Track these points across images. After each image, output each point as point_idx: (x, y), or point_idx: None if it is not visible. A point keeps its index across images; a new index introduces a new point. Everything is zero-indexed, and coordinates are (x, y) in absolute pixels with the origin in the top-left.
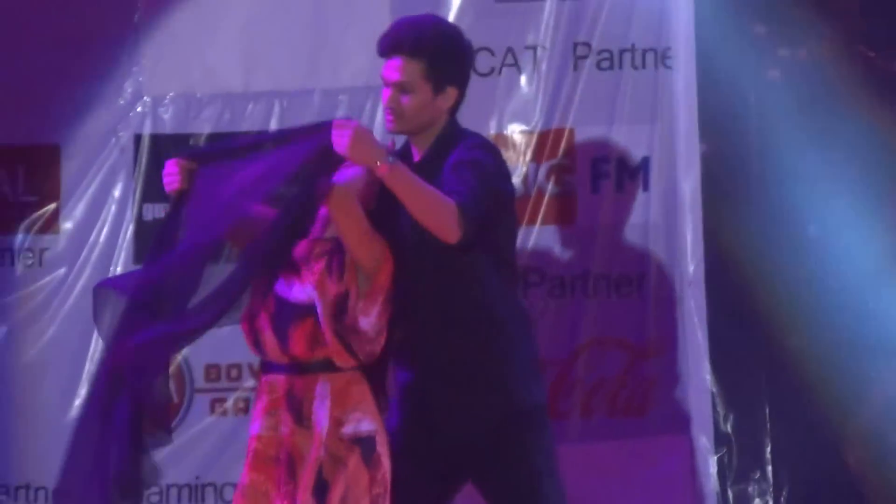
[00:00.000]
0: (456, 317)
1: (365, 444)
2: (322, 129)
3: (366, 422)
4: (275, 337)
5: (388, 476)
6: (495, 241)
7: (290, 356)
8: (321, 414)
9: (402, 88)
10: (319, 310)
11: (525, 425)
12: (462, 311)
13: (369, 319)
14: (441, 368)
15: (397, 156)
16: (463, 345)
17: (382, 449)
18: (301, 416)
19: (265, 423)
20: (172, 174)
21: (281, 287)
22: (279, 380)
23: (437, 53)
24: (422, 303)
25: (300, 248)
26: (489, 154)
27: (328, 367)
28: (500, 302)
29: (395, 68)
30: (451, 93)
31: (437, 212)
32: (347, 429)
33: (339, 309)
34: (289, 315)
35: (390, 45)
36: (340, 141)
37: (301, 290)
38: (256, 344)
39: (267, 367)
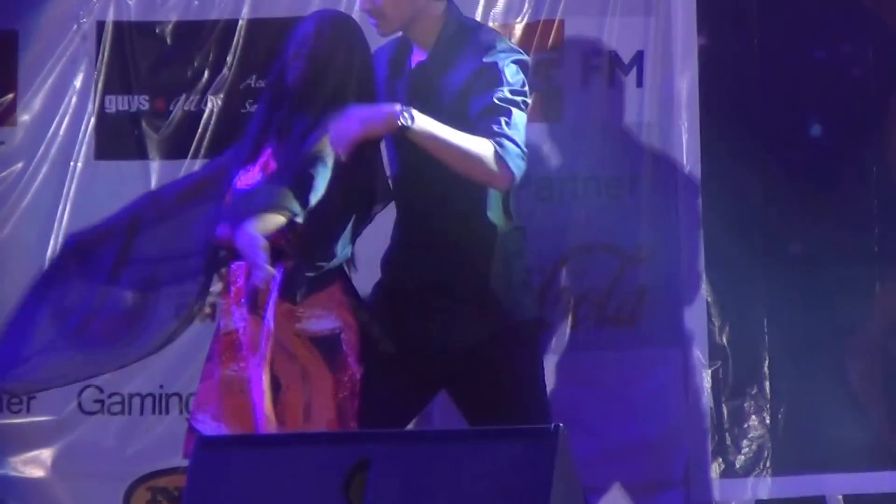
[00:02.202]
0: (447, 232)
1: (327, 343)
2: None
3: (329, 319)
4: None
5: (356, 378)
6: (505, 131)
7: None
8: (270, 305)
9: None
10: None
11: (512, 339)
12: (454, 226)
13: None
14: (432, 283)
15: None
16: (455, 260)
17: (349, 348)
18: (257, 305)
19: (233, 316)
20: None
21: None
22: (242, 266)
23: None
24: (413, 219)
25: None
26: (520, 70)
27: None
28: (493, 216)
29: None
30: None
31: (475, 165)
32: (306, 325)
33: None
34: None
35: None
36: (345, 136)
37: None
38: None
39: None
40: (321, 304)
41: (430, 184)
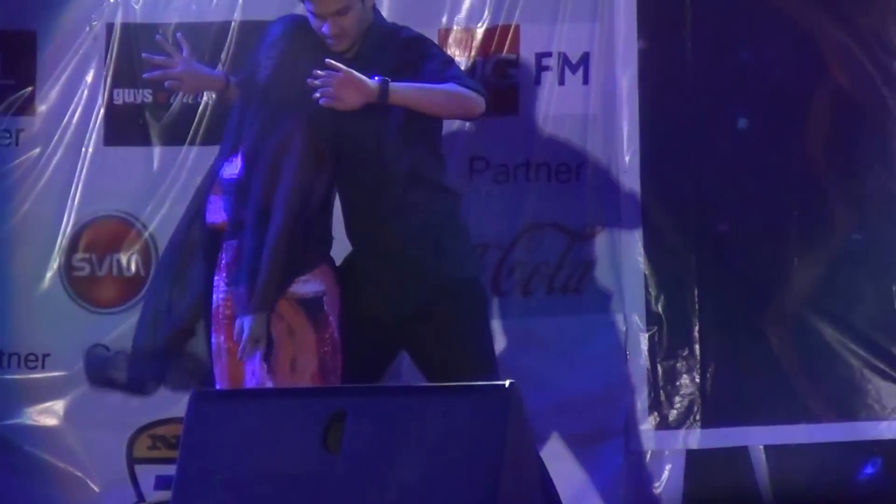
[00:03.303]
0: (394, 206)
1: (311, 304)
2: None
3: (313, 283)
4: None
5: (336, 335)
6: (431, 135)
7: None
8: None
9: (339, 13)
10: None
11: (457, 296)
12: (393, 199)
13: None
14: (379, 251)
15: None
16: (400, 231)
17: (331, 310)
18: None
19: (220, 289)
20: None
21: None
22: (231, 244)
23: None
24: (357, 195)
25: None
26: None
27: None
28: (430, 189)
29: (332, 9)
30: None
31: (457, 107)
32: (293, 288)
33: None
34: None
35: None
36: (350, 99)
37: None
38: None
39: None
40: (309, 269)
41: (368, 162)
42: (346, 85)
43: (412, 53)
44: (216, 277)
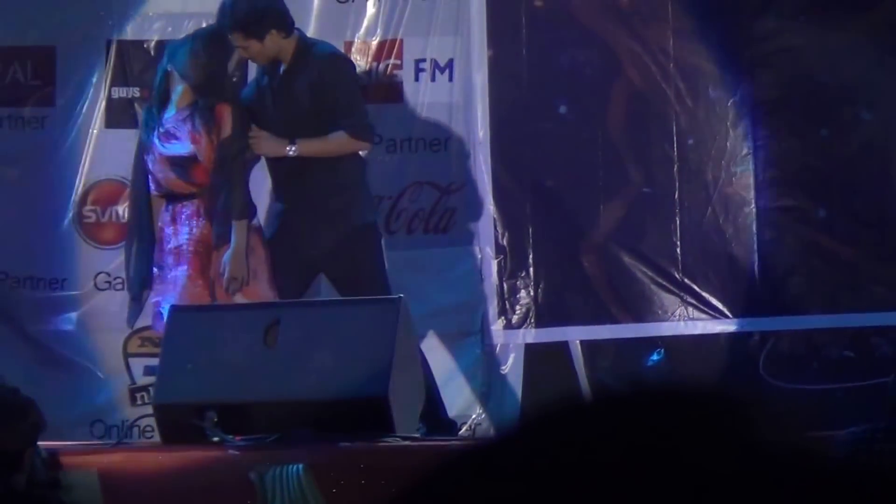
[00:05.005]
0: (321, 168)
1: (258, 231)
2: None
3: (256, 218)
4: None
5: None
6: (351, 117)
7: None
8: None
9: (243, 48)
10: None
11: (361, 235)
12: (324, 164)
13: None
14: (304, 203)
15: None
16: (318, 186)
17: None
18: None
19: (178, 237)
20: None
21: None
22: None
23: (251, 22)
24: (296, 161)
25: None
26: (347, 63)
27: None
28: (346, 157)
29: (236, 45)
30: (275, 35)
31: (341, 151)
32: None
33: None
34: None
35: (222, 26)
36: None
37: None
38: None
39: None
40: None
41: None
42: (266, 142)
43: (329, 78)
44: (167, 229)
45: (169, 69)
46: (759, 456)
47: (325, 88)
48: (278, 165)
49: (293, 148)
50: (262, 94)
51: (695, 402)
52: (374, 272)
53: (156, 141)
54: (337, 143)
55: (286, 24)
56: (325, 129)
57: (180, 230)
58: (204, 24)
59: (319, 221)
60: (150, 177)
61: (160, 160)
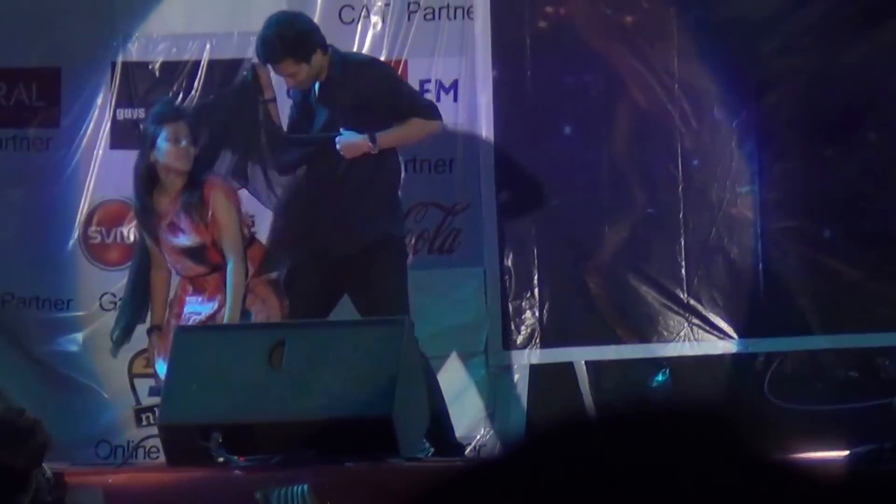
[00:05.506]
0: (352, 179)
1: (276, 284)
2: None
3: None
4: None
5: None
6: (415, 104)
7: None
8: None
9: (290, 76)
10: None
11: (388, 247)
12: (355, 174)
13: None
14: (337, 212)
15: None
16: (353, 195)
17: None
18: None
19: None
20: None
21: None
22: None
23: (300, 45)
24: (321, 177)
25: None
26: (382, 63)
27: None
28: (382, 168)
29: (285, 74)
30: (319, 53)
31: (420, 134)
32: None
33: None
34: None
35: (271, 57)
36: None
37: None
38: None
39: None
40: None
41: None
42: (349, 146)
43: (376, 80)
44: (190, 297)
45: (153, 160)
46: (762, 475)
47: (376, 90)
48: (314, 177)
49: (374, 145)
50: (300, 114)
51: (694, 421)
52: (396, 282)
53: (165, 234)
54: (414, 127)
55: (325, 41)
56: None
57: (207, 301)
58: (207, 46)
59: (350, 230)
60: (166, 258)
61: (173, 251)
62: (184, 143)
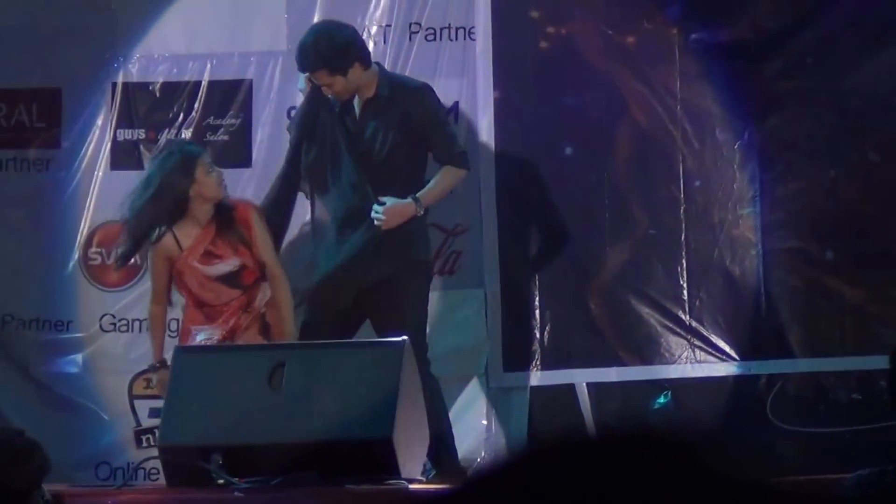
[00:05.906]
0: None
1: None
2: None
3: None
4: None
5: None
6: (451, 149)
7: None
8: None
9: (327, 85)
10: None
11: (414, 272)
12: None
13: None
14: (366, 236)
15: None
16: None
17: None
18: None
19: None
20: None
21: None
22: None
23: (336, 57)
24: (348, 208)
25: None
26: (434, 94)
27: None
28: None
29: (321, 84)
30: (357, 68)
31: (452, 186)
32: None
33: None
34: None
35: (305, 66)
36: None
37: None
38: None
39: None
40: None
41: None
42: (394, 217)
43: (421, 110)
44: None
45: (190, 193)
46: (758, 499)
47: (420, 121)
48: (344, 205)
49: (419, 207)
50: (335, 129)
51: (690, 444)
52: (417, 307)
53: (193, 265)
54: (449, 179)
55: (367, 56)
56: (414, 160)
57: (215, 328)
58: (208, 67)
59: (378, 255)
60: (190, 290)
61: (205, 281)
62: (214, 172)
